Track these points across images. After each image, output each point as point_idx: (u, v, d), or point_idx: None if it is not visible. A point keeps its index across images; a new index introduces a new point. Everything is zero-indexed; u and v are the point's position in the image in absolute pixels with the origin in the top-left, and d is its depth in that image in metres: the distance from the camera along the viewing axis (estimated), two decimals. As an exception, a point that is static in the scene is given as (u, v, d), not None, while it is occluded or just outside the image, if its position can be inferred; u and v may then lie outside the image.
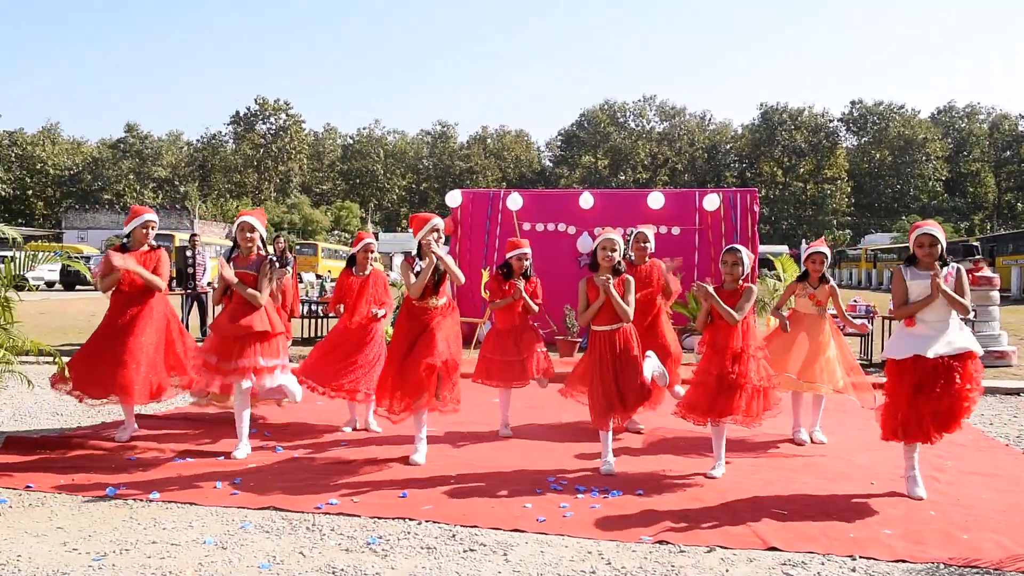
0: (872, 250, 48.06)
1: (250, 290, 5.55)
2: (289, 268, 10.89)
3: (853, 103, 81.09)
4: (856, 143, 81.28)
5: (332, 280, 12.56)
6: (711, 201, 12.01)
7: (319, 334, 13.07)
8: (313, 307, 12.98)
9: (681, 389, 6.37)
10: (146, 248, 6.05)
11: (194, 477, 5.02)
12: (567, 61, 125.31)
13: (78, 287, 31.22)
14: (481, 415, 6.91)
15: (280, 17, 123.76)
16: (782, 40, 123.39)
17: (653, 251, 6.55)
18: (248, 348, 5.47)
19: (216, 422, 6.65)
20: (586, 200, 12.33)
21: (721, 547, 3.88)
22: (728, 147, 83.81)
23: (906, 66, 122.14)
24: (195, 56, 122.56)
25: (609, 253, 5.17)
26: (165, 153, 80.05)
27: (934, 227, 4.77)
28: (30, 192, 73.38)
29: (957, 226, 65.28)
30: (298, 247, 42.78)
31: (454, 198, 12.95)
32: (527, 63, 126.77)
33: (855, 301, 11.17)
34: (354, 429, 6.53)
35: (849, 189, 77.66)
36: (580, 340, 10.90)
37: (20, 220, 68.39)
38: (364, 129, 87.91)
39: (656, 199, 12.25)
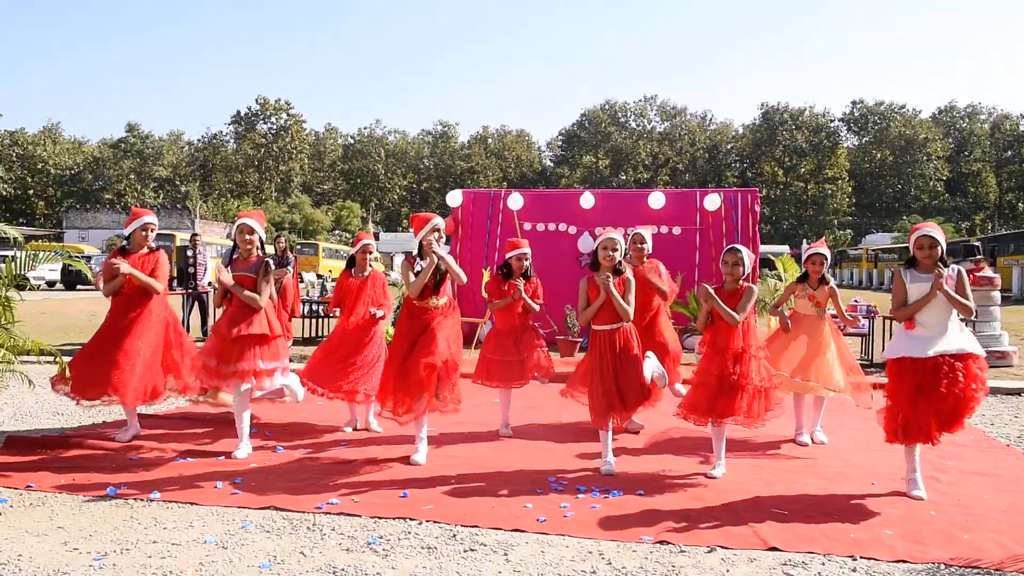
0: (873, 250, 48.04)
1: (248, 293, 5.55)
2: (290, 268, 10.91)
3: (854, 103, 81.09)
4: (857, 143, 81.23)
5: (333, 280, 12.57)
6: (712, 201, 12.01)
7: (320, 334, 13.09)
8: (314, 307, 12.99)
9: (682, 388, 6.37)
10: (145, 251, 6.05)
11: (195, 477, 5.03)
12: (567, 61, 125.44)
13: (79, 287, 31.24)
14: (481, 415, 6.92)
15: (280, 17, 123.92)
16: (782, 40, 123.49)
17: (651, 251, 6.55)
18: (247, 351, 5.47)
19: (217, 422, 6.66)
20: (587, 200, 12.33)
21: (722, 547, 3.88)
22: (729, 147, 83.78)
23: (906, 66, 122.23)
24: (196, 56, 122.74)
25: (610, 253, 5.17)
26: (166, 153, 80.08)
27: (934, 229, 4.77)
28: (31, 192, 73.43)
29: (958, 226, 65.24)
30: (299, 247, 42.79)
31: (455, 198, 12.96)
32: (527, 63, 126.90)
33: (856, 301, 11.16)
34: (355, 429, 6.54)
35: (850, 189, 77.62)
36: (581, 340, 10.90)
37: (21, 220, 68.47)
38: (365, 129, 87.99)
39: (657, 199, 12.26)
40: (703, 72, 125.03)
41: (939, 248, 4.69)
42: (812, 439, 6.18)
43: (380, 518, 4.27)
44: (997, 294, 10.54)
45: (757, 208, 12.20)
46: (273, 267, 5.69)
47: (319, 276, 19.62)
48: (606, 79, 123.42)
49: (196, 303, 12.94)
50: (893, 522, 4.26)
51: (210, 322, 12.72)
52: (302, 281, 15.55)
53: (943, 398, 4.46)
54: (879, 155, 78.29)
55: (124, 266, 5.80)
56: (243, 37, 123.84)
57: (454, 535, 4.03)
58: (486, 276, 11.61)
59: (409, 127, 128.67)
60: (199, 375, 5.69)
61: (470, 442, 6.14)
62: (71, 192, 73.08)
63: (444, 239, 5.53)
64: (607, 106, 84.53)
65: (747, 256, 5.24)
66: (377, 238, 55.07)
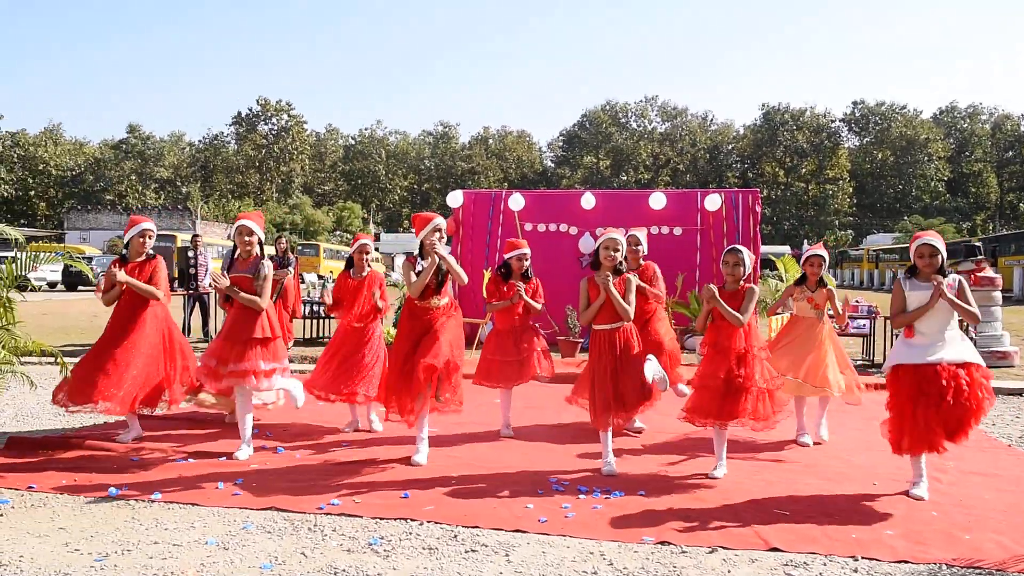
0: (874, 250, 48.02)
1: (244, 295, 5.55)
2: (291, 269, 10.92)
3: (855, 103, 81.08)
4: (858, 143, 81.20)
5: (334, 281, 12.59)
6: (713, 201, 12.01)
7: (320, 334, 13.09)
8: (315, 308, 12.99)
9: (685, 388, 6.37)
10: (143, 258, 6.05)
11: (196, 478, 5.03)
12: (567, 61, 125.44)
13: (80, 288, 31.25)
14: (482, 416, 6.92)
15: (280, 17, 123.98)
16: (783, 40, 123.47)
17: (646, 253, 6.54)
18: (248, 352, 5.48)
19: (218, 423, 6.67)
20: (588, 201, 12.33)
21: (723, 548, 3.88)
22: (730, 147, 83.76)
23: (907, 66, 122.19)
24: (196, 56, 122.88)
25: (612, 253, 5.17)
26: (167, 154, 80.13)
27: (934, 237, 4.76)
28: (32, 193, 73.48)
29: (959, 226, 65.22)
30: (300, 248, 42.85)
31: (455, 198, 12.96)
32: (527, 63, 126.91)
33: (857, 302, 11.15)
34: (355, 430, 6.54)
35: (851, 189, 77.57)
36: (582, 340, 10.89)
37: (22, 221, 68.49)
38: (366, 130, 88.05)
39: (658, 199, 12.26)
40: (703, 72, 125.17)
41: (939, 257, 4.68)
42: (815, 436, 6.20)
43: (381, 519, 4.27)
44: (998, 294, 10.54)
45: (758, 209, 12.20)
46: (269, 267, 5.67)
47: (320, 277, 19.63)
48: (606, 79, 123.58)
49: (197, 304, 12.95)
50: (894, 522, 4.26)
51: (211, 323, 12.74)
52: (303, 282, 15.56)
53: (950, 408, 4.44)
54: (880, 155, 78.24)
55: (120, 275, 5.82)
56: (243, 37, 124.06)
57: (455, 536, 4.03)
58: (487, 277, 11.63)
59: (410, 128, 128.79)
60: (200, 376, 5.70)
61: (471, 443, 6.14)
62: (72, 193, 73.12)
63: (445, 239, 5.53)
64: (608, 107, 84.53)
65: (748, 257, 5.24)
66: (378, 239, 55.45)
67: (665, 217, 12.18)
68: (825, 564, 3.69)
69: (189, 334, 12.74)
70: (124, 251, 6.07)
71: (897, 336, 5.04)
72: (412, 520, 4.24)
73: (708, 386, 5.07)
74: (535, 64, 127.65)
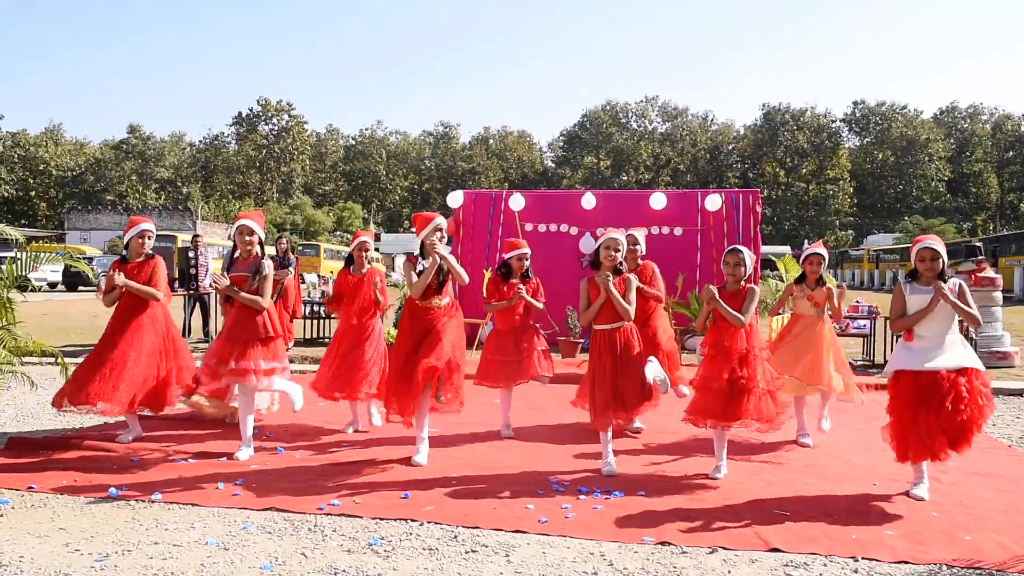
0: (874, 251, 48.02)
1: (245, 295, 5.55)
2: (291, 269, 10.92)
3: (855, 103, 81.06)
4: (859, 143, 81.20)
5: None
6: (713, 202, 12.00)
7: (321, 335, 13.10)
8: (315, 308, 13.00)
9: (686, 389, 6.37)
10: (142, 258, 6.06)
11: (196, 478, 5.03)
12: (567, 61, 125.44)
13: (80, 288, 31.26)
14: (482, 416, 6.92)
15: (280, 17, 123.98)
16: (783, 40, 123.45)
17: (644, 253, 6.54)
18: (248, 351, 5.48)
19: (218, 423, 6.67)
20: (588, 201, 12.33)
21: (723, 548, 3.88)
22: (730, 147, 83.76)
23: (907, 66, 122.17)
24: (196, 56, 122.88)
25: (612, 252, 5.16)
26: (167, 154, 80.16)
27: (935, 241, 4.75)
28: (33, 193, 73.50)
29: (960, 226, 65.21)
30: (300, 248, 42.85)
31: (456, 199, 12.96)
32: (527, 63, 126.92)
33: (858, 302, 11.16)
34: (355, 430, 6.54)
35: (851, 189, 77.58)
36: (582, 341, 10.89)
37: (23, 221, 68.51)
38: (366, 130, 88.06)
39: (658, 200, 12.26)
40: (704, 72, 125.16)
41: (940, 261, 4.68)
42: (817, 428, 6.21)
43: (381, 519, 4.27)
44: (999, 294, 10.54)
45: (758, 209, 12.20)
46: (269, 267, 5.67)
47: (320, 277, 19.62)
48: (606, 79, 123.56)
49: (197, 304, 12.95)
50: (895, 523, 4.25)
51: (211, 323, 12.74)
52: (303, 282, 15.56)
53: (950, 416, 4.43)
54: (881, 156, 78.24)
55: (118, 278, 5.83)
56: (243, 37, 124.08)
57: (455, 536, 4.03)
58: (487, 277, 11.64)
59: (410, 128, 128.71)
60: (201, 375, 5.71)
61: (471, 443, 6.14)
62: (73, 193, 73.14)
63: (446, 239, 5.53)
64: (608, 107, 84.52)
65: (748, 257, 5.23)
66: (378, 239, 55.42)
67: (665, 217, 12.18)
68: (825, 564, 3.69)
69: (189, 334, 12.74)
70: (124, 252, 6.08)
71: (898, 339, 5.03)
72: (412, 520, 4.24)
73: (711, 388, 5.05)
74: (535, 64, 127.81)
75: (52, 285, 31.69)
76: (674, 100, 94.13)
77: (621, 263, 5.23)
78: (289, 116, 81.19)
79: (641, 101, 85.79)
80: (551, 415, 7.24)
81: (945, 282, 4.64)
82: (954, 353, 4.58)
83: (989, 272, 10.64)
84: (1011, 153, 77.87)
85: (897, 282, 4.87)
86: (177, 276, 12.49)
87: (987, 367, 5.09)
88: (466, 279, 5.46)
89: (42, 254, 5.49)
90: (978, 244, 12.64)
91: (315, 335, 13.02)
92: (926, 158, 76.20)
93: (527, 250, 6.43)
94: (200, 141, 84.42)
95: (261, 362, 5.50)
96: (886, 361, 4.96)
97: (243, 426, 5.64)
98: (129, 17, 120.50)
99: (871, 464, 5.47)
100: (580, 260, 12.10)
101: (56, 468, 5.22)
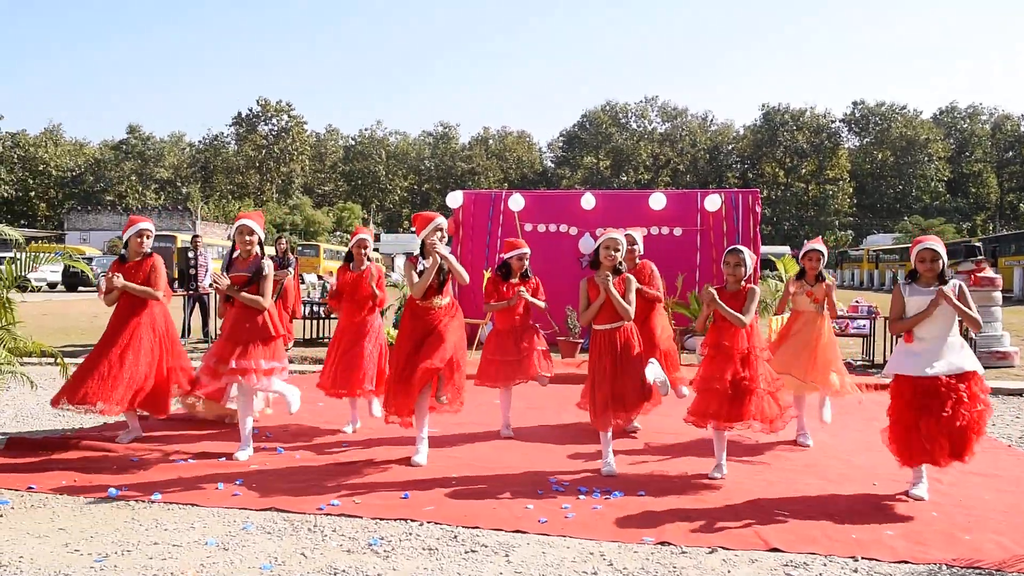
0: (874, 251, 48.04)
1: (246, 295, 5.55)
2: (291, 269, 10.92)
3: (855, 103, 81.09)
4: (858, 144, 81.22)
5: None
6: (713, 202, 12.00)
7: (321, 335, 13.10)
8: (314, 308, 13.00)
9: (686, 389, 6.37)
10: (140, 257, 6.06)
11: (196, 478, 5.03)
12: (567, 61, 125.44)
13: (80, 288, 31.26)
14: (482, 416, 6.92)
15: (280, 17, 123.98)
16: (782, 40, 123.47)
17: (642, 253, 6.53)
18: (249, 350, 5.48)
19: (218, 423, 6.67)
20: (588, 201, 12.33)
21: (723, 548, 3.88)
22: (730, 148, 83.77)
23: (906, 66, 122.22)
24: (196, 57, 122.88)
25: (612, 252, 5.16)
26: (167, 154, 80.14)
27: (936, 242, 4.74)
28: (32, 193, 73.49)
29: (959, 227, 65.23)
30: (300, 248, 42.86)
31: (455, 199, 12.96)
32: (527, 63, 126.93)
33: (857, 302, 11.16)
34: (355, 429, 6.54)
35: (851, 190, 77.59)
36: (582, 341, 10.89)
37: (22, 221, 68.48)
38: (366, 130, 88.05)
39: (658, 200, 12.26)
40: (703, 73, 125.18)
41: (940, 261, 4.68)
42: (818, 418, 6.20)
43: (381, 519, 4.27)
44: (998, 294, 10.54)
45: (758, 209, 12.19)
46: (269, 266, 5.68)
47: (320, 277, 19.63)
48: (606, 79, 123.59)
49: (197, 305, 12.95)
50: (894, 523, 4.25)
51: (211, 324, 12.73)
52: (303, 282, 15.56)
53: (950, 420, 4.41)
54: (880, 156, 78.26)
55: (117, 281, 5.83)
56: (243, 37, 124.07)
57: (455, 536, 4.03)
58: (487, 277, 11.64)
59: (410, 128, 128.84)
60: (202, 375, 5.71)
61: (471, 443, 6.14)
62: (72, 194, 73.12)
63: (446, 239, 5.52)
64: (608, 107, 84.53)
65: (749, 257, 5.23)
66: (378, 239, 55.39)
67: (665, 217, 12.18)
68: (825, 564, 3.69)
69: (189, 334, 12.74)
70: (123, 251, 6.09)
71: (898, 340, 5.03)
72: (412, 520, 4.24)
73: (714, 389, 5.01)
74: (535, 64, 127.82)
75: (52, 285, 31.68)
76: (674, 100, 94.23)
77: (620, 263, 5.23)
78: (289, 116, 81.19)
79: (641, 101, 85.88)
80: (551, 415, 7.24)
81: (945, 283, 4.63)
82: (955, 357, 4.57)
83: (989, 272, 10.64)
84: (1011, 153, 77.90)
85: (896, 283, 4.86)
86: (177, 276, 12.49)
87: (987, 367, 5.09)
88: (467, 279, 5.45)
89: (41, 254, 5.49)
90: (978, 244, 12.62)
91: (314, 335, 13.01)
92: (925, 158, 76.22)
93: (527, 250, 6.43)
94: (200, 141, 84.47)
95: (262, 361, 5.51)
96: (885, 361, 4.94)
97: (242, 426, 5.64)
98: (129, 17, 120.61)
99: (871, 464, 5.47)
100: (579, 260, 12.09)
101: (56, 468, 5.22)
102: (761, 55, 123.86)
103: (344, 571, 3.56)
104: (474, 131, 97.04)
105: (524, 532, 4.08)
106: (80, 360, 5.98)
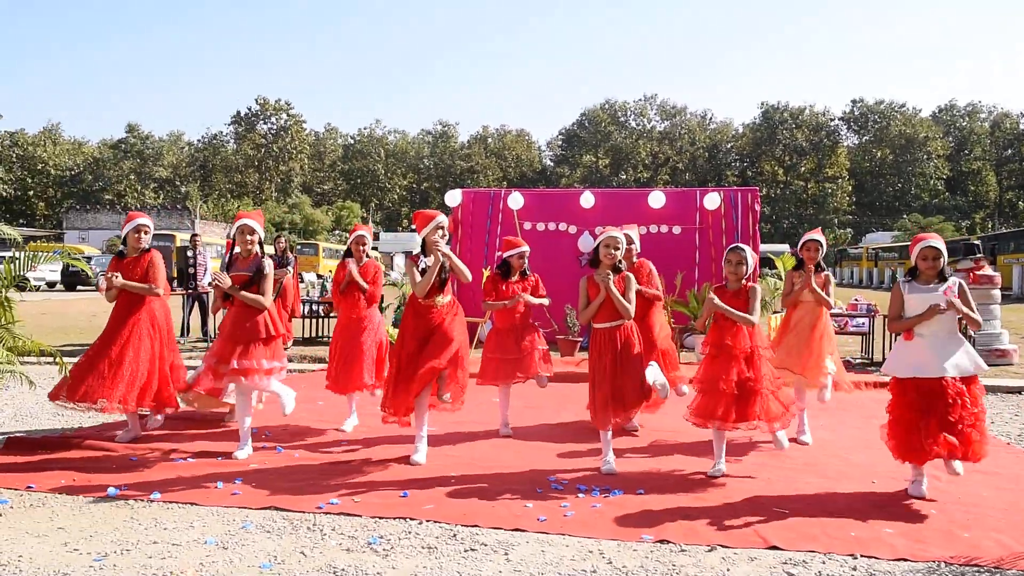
0: (873, 248, 48.06)
1: (247, 294, 5.54)
2: (290, 268, 10.91)
3: (854, 102, 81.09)
4: (857, 142, 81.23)
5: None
6: (712, 200, 12.00)
7: (320, 334, 13.09)
8: (314, 307, 12.99)
9: (686, 388, 6.37)
10: (138, 253, 6.06)
11: (195, 477, 5.03)
12: (567, 61, 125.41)
13: (79, 287, 31.24)
14: (481, 415, 6.91)
15: (280, 17, 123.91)
16: (782, 40, 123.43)
17: (639, 251, 6.54)
18: (250, 350, 5.48)
19: (217, 423, 6.67)
20: (587, 199, 12.32)
21: (722, 546, 3.88)
22: (729, 146, 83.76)
23: (906, 66, 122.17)
24: (195, 56, 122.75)
25: (612, 251, 5.16)
26: (166, 153, 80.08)
27: (938, 240, 4.73)
28: (31, 192, 73.42)
29: (958, 224, 65.22)
30: (299, 247, 42.83)
31: (454, 197, 12.95)
32: (527, 63, 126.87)
33: (856, 300, 11.16)
34: (355, 428, 6.54)
35: (850, 188, 77.61)
36: (581, 340, 10.89)
37: (21, 220, 68.44)
38: (365, 129, 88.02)
39: (657, 198, 12.25)
40: (703, 72, 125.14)
41: (942, 260, 4.67)
42: (819, 399, 6.19)
43: (380, 518, 4.27)
44: (997, 292, 10.55)
45: (757, 207, 12.18)
46: (270, 266, 5.68)
47: (319, 276, 19.63)
48: (606, 79, 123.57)
49: (196, 304, 12.94)
50: (893, 521, 4.25)
51: (210, 323, 12.73)
52: (302, 281, 15.55)
53: (951, 420, 4.40)
54: (879, 154, 78.28)
55: (116, 280, 5.83)
56: (243, 37, 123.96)
57: (454, 535, 4.03)
58: (486, 275, 11.63)
59: (409, 127, 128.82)
60: (203, 376, 5.71)
61: (470, 442, 6.14)
62: (71, 193, 73.07)
63: (447, 236, 5.51)
64: (607, 105, 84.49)
65: (750, 256, 5.21)
66: (377, 238, 55.35)
67: (664, 216, 12.17)
68: (824, 562, 3.69)
69: (188, 334, 12.73)
70: (122, 247, 6.09)
71: (897, 337, 5.02)
72: (411, 519, 4.24)
73: (719, 390, 4.97)
74: (535, 64, 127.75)
75: (51, 284, 31.67)
76: (673, 99, 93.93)
77: (620, 261, 5.23)
78: (288, 115, 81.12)
79: (640, 100, 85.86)
80: (550, 414, 7.24)
81: (945, 281, 4.63)
82: (956, 356, 4.55)
83: (988, 270, 10.65)
84: (1009, 151, 77.92)
85: (896, 281, 4.85)
86: (176, 276, 12.47)
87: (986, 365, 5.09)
88: (469, 277, 5.42)
89: (40, 253, 5.48)
90: (977, 242, 12.62)
91: (314, 334, 13.01)
92: (925, 156, 76.24)
93: (526, 248, 6.43)
94: (198, 140, 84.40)
95: (263, 361, 5.51)
96: (884, 359, 4.94)
97: (241, 425, 5.64)
98: (128, 17, 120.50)
99: (870, 462, 5.47)
100: (579, 259, 12.09)
101: (55, 468, 5.22)
102: (760, 54, 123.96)
103: (343, 570, 3.56)
104: (473, 130, 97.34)
105: (523, 530, 4.08)
106: (79, 359, 5.97)
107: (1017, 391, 8.66)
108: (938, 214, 65.71)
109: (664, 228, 12.12)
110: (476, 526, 4.15)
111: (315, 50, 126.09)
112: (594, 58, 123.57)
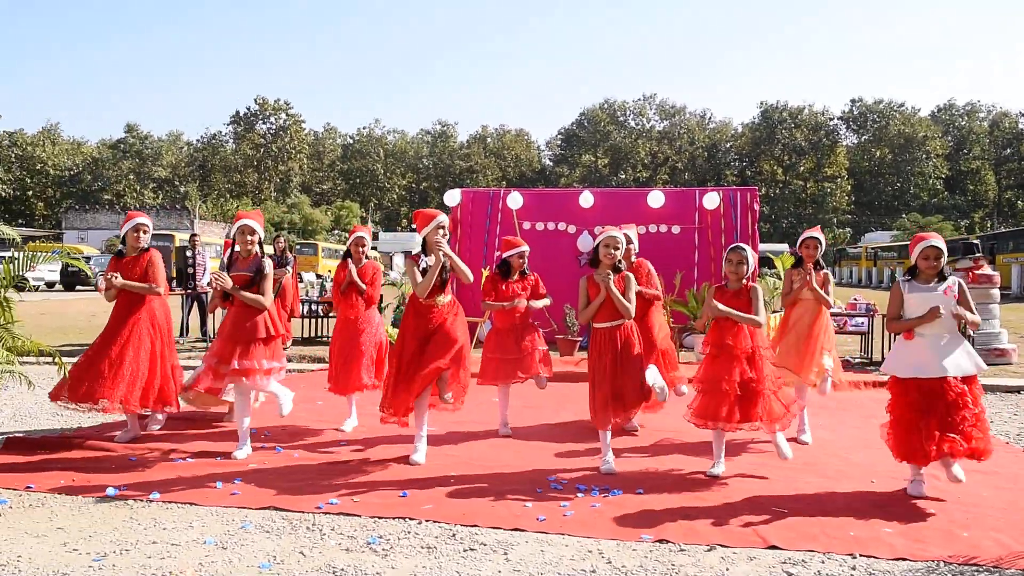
0: (872, 248, 48.07)
1: (247, 294, 5.54)
2: (289, 268, 10.91)
3: (853, 101, 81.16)
4: (856, 141, 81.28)
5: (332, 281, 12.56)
6: (711, 200, 12.00)
7: (319, 334, 13.08)
8: (313, 307, 12.99)
9: (685, 388, 6.37)
10: (138, 252, 6.05)
11: (194, 477, 5.02)
12: (567, 61, 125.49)
13: (78, 287, 31.22)
14: (481, 415, 6.91)
15: (280, 17, 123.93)
16: (782, 40, 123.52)
17: (638, 251, 6.54)
18: (251, 350, 5.48)
19: (216, 423, 6.67)
20: (586, 199, 12.32)
21: (721, 546, 3.88)
22: (728, 146, 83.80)
23: (906, 66, 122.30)
24: (195, 56, 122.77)
25: (612, 251, 5.15)
26: (165, 153, 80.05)
27: (939, 240, 4.73)
28: (30, 192, 73.38)
29: (957, 224, 65.26)
30: (298, 247, 42.81)
31: (453, 197, 12.94)
32: (527, 63, 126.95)
33: (855, 299, 11.16)
34: (354, 428, 6.54)
35: (849, 187, 77.66)
36: (581, 339, 10.89)
37: (20, 220, 68.41)
38: (364, 129, 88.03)
39: (656, 198, 12.25)
40: (703, 71, 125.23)
41: (943, 259, 4.67)
42: (818, 390, 6.15)
43: (380, 518, 4.26)
44: (996, 292, 10.56)
45: (756, 207, 12.18)
46: (270, 266, 5.67)
47: (318, 276, 19.62)
48: (606, 79, 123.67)
49: (195, 304, 12.93)
50: (893, 520, 4.25)
51: (210, 323, 12.72)
52: (301, 281, 15.54)
53: (952, 421, 4.40)
54: (878, 153, 78.33)
55: (116, 281, 5.82)
56: (243, 37, 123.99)
57: (454, 535, 4.03)
58: (485, 275, 11.63)
59: (408, 127, 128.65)
60: (203, 376, 5.71)
61: (469, 441, 6.14)
62: (70, 193, 73.04)
63: (448, 236, 5.50)
64: (606, 105, 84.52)
65: (751, 255, 5.20)
66: (376, 237, 55.32)
67: (663, 215, 12.17)
68: (823, 562, 3.69)
69: (187, 334, 12.72)
70: (121, 247, 6.08)
71: (897, 336, 5.02)
72: (411, 519, 4.24)
73: (721, 391, 4.96)
74: (535, 64, 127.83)
75: (50, 285, 31.65)
76: (672, 98, 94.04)
77: (620, 261, 5.22)
78: (287, 115, 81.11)
79: (639, 99, 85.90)
80: (549, 413, 7.24)
81: (944, 280, 4.63)
82: (956, 356, 4.54)
83: (987, 269, 10.67)
84: (1008, 150, 77.98)
85: (895, 281, 4.85)
86: (175, 276, 12.46)
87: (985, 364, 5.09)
88: (471, 278, 5.40)
89: (39, 253, 5.47)
90: (976, 241, 12.65)
91: (313, 334, 13.00)
92: (924, 156, 76.29)
93: (526, 248, 6.43)
94: (198, 140, 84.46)
95: (264, 361, 5.50)
96: (883, 358, 4.94)
97: (240, 425, 5.64)
98: (128, 17, 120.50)
99: (870, 462, 5.47)
100: (578, 258, 12.09)
101: (54, 468, 5.21)
102: (760, 54, 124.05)
103: (343, 570, 3.56)
104: (472, 129, 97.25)
105: (523, 530, 4.08)
106: (78, 359, 5.97)
107: (1016, 390, 8.66)
108: (937, 213, 65.76)
109: (663, 228, 12.12)
110: (475, 526, 4.15)
111: (315, 50, 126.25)
112: (594, 58, 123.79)
